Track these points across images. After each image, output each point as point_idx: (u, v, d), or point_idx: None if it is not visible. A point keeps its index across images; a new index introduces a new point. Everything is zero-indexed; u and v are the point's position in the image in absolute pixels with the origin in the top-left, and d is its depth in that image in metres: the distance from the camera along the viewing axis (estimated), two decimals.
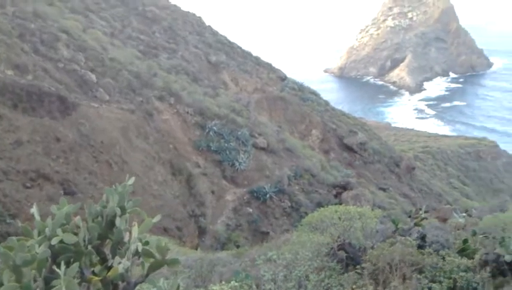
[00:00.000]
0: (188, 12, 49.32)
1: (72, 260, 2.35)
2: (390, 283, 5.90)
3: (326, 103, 46.45)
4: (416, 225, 8.27)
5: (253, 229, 19.70)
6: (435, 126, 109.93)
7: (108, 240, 2.56)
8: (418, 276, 5.96)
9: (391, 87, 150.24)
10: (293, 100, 39.20)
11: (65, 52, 20.65)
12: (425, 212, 9.31)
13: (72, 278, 2.17)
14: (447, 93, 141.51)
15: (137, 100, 21.15)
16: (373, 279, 6.22)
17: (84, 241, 2.43)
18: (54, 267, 2.26)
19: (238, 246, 16.10)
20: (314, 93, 47.73)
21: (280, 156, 25.82)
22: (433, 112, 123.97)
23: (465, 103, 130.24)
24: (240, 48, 47.89)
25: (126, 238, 2.53)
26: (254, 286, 6.30)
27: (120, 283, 2.40)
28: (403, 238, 6.99)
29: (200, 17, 49.88)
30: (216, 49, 42.93)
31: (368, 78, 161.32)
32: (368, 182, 31.50)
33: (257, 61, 47.07)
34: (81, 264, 2.36)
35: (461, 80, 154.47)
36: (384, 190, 31.72)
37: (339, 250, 7.18)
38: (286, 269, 6.81)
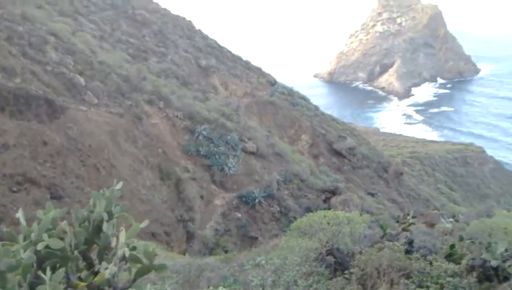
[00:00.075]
0: (178, 16, 49.28)
1: (58, 265, 2.32)
2: (378, 288, 5.92)
3: (316, 108, 46.65)
4: (404, 230, 8.33)
5: (241, 234, 19.65)
6: (422, 131, 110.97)
7: (95, 245, 2.54)
8: (406, 281, 5.99)
9: (380, 92, 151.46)
10: (282, 105, 39.31)
11: (53, 55, 20.48)
12: (413, 217, 9.39)
13: (58, 283, 2.15)
14: (434, 98, 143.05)
15: (126, 104, 21.04)
16: (361, 284, 6.24)
17: (71, 246, 2.41)
18: (40, 272, 2.23)
19: (226, 251, 16.05)
20: (303, 98, 47.93)
21: (269, 161, 25.84)
22: (421, 118, 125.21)
23: (452, 109, 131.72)
24: (230, 52, 47.96)
25: (113, 244, 2.52)
26: None
27: (107, 288, 2.38)
28: (391, 243, 7.03)
29: (190, 21, 49.87)
30: (206, 53, 42.92)
31: (357, 83, 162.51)
32: (357, 187, 31.65)
33: (247, 65, 47.16)
34: (67, 269, 2.34)
35: (449, 85, 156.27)
36: (372, 195, 31.88)
37: (327, 255, 7.20)
38: (275, 274, 6.81)
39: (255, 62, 50.49)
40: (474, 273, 6.02)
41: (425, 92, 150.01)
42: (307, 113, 41.32)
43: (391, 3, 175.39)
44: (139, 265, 2.54)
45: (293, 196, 23.27)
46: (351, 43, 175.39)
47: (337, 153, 36.81)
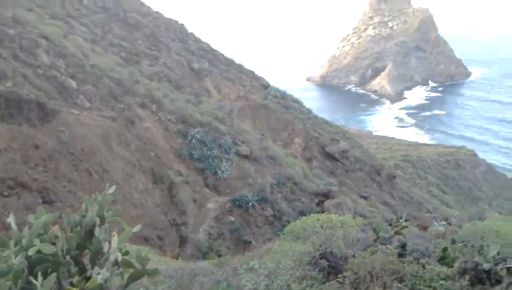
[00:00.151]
0: (171, 19, 49.25)
1: (49, 270, 2.30)
2: None
3: (309, 111, 46.79)
4: (396, 233, 8.35)
5: (235, 238, 19.60)
6: (414, 135, 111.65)
7: (87, 250, 2.52)
8: (399, 285, 6.00)
9: (372, 95, 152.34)
10: (276, 108, 39.37)
11: (45, 59, 20.37)
12: (406, 220, 9.42)
13: (50, 289, 2.13)
14: (426, 102, 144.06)
15: (118, 107, 20.95)
16: (354, 288, 6.24)
17: (63, 251, 2.39)
18: (31, 278, 2.21)
19: (219, 256, 15.99)
20: (296, 101, 48.07)
21: (263, 164, 25.83)
22: (413, 121, 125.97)
23: (444, 112, 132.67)
24: (223, 55, 47.98)
25: (105, 248, 2.50)
26: None
27: None
28: (384, 246, 7.04)
29: (182, 24, 49.85)
30: (199, 57, 42.90)
31: (350, 86, 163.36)
32: (350, 190, 31.73)
33: (240, 68, 47.19)
34: (59, 274, 2.32)
35: (440, 89, 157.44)
36: (365, 198, 31.97)
37: (320, 259, 7.19)
38: (268, 278, 6.79)
39: (248, 66, 50.56)
40: (467, 277, 6.05)
41: (417, 95, 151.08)
42: (299, 116, 41.42)
43: (382, 7, 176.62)
44: (131, 270, 2.52)
45: (286, 199, 23.27)
46: (343, 46, 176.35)
47: (330, 156, 36.91)
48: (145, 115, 22.40)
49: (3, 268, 2.08)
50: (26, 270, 2.24)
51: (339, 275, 6.56)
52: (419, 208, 34.95)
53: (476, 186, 56.86)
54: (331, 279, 6.82)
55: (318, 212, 10.22)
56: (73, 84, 19.91)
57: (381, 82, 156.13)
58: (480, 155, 73.44)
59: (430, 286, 5.99)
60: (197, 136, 23.83)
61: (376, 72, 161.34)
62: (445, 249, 7.09)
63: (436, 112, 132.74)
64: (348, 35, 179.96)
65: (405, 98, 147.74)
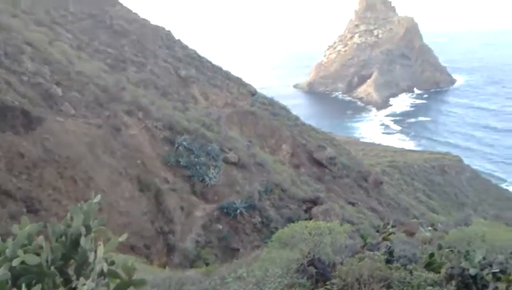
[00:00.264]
0: (158, 26, 49.14)
1: (34, 282, 2.26)
2: None
3: (296, 118, 46.96)
4: (384, 239, 8.38)
5: (223, 245, 19.49)
6: (400, 141, 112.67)
7: (72, 261, 2.48)
8: None
9: (359, 103, 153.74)
10: (263, 115, 39.44)
11: (30, 65, 20.14)
12: (393, 226, 9.47)
13: None
14: (412, 109, 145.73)
15: (104, 114, 20.78)
16: None
17: (47, 262, 2.35)
18: (15, 289, 2.17)
19: (207, 264, 15.88)
20: (284, 108, 48.22)
21: (251, 171, 25.80)
22: (398, 128, 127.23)
23: (429, 119, 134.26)
24: (210, 62, 48.00)
25: (91, 258, 2.46)
26: None
27: None
28: (372, 253, 7.06)
29: (169, 31, 49.77)
30: (186, 63, 42.84)
31: (336, 93, 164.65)
32: (337, 197, 31.83)
33: (227, 75, 47.23)
34: (44, 286, 2.28)
35: (425, 96, 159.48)
36: (353, 204, 32.10)
37: (309, 266, 7.18)
38: (256, 286, 6.76)
39: (235, 73, 50.65)
40: (454, 282, 6.09)
41: (403, 102, 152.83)
42: (287, 123, 41.55)
43: (368, 16, 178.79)
44: (117, 280, 2.48)
45: (274, 206, 23.24)
46: (330, 54, 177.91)
47: (318, 163, 37.03)
48: (131, 122, 22.25)
49: None
50: (9, 282, 2.20)
51: (327, 282, 6.55)
52: (406, 214, 35.19)
53: (462, 192, 57.51)
54: (319, 286, 6.81)
55: (306, 219, 10.21)
56: (59, 91, 19.72)
57: (367, 89, 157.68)
58: (465, 161, 74.39)
59: None
60: (184, 143, 23.72)
61: (362, 80, 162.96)
62: (432, 255, 7.13)
63: (421, 118, 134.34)
64: (335, 43, 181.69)
65: (391, 105, 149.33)
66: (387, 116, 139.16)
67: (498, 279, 5.91)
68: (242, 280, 7.08)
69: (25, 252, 2.28)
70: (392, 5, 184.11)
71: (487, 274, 5.96)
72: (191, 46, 49.60)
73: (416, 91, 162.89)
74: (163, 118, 24.95)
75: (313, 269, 7.18)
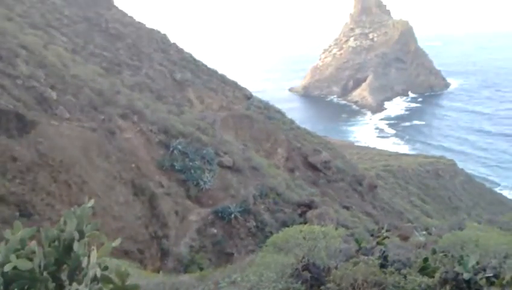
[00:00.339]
0: (153, 29, 49.14)
1: (26, 287, 2.25)
2: None
3: (292, 122, 47.02)
4: (378, 243, 8.39)
5: (217, 250, 19.44)
6: (395, 145, 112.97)
7: (65, 266, 2.47)
8: None
9: (354, 106, 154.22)
10: (258, 118, 39.45)
11: (24, 69, 20.06)
12: (387, 231, 9.48)
13: None
14: (406, 112, 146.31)
15: (99, 118, 20.71)
16: None
17: (40, 267, 2.33)
18: None
19: (201, 269, 15.84)
20: (279, 112, 48.28)
21: (245, 175, 25.78)
22: (393, 131, 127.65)
23: (423, 123, 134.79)
24: (205, 65, 48.03)
25: (84, 264, 2.45)
26: None
27: None
28: (366, 257, 7.07)
29: (165, 35, 49.77)
30: (181, 67, 42.84)
31: (332, 97, 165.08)
32: (332, 201, 31.86)
33: (223, 79, 47.27)
34: None
35: (420, 99, 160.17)
36: (347, 208, 32.14)
37: (303, 270, 7.17)
38: None
39: (230, 76, 50.71)
40: (448, 287, 6.10)
41: (397, 106, 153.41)
42: (282, 126, 41.60)
43: (363, 19, 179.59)
44: (111, 286, 2.47)
45: (269, 210, 23.23)
46: (325, 57, 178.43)
47: (313, 167, 37.07)
48: (126, 125, 22.19)
49: None
50: (1, 288, 2.19)
51: (322, 287, 6.55)
52: (400, 218, 35.27)
53: (456, 196, 57.72)
54: None
55: (301, 223, 10.21)
56: (53, 94, 19.64)
57: (362, 93, 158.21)
58: (459, 165, 74.72)
59: None
60: (179, 147, 23.68)
61: (357, 83, 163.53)
62: (426, 260, 7.14)
63: (415, 122, 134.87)
64: (330, 46, 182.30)
65: (385, 109, 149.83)
66: (382, 119, 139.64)
67: (492, 283, 5.93)
68: (236, 285, 7.06)
69: (18, 257, 2.26)
70: (387, 8, 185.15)
71: (481, 279, 5.98)
72: (186, 50, 49.63)
73: (411, 95, 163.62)
74: (158, 121, 24.92)
75: (307, 273, 7.17)
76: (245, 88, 49.12)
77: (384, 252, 7.66)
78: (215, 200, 22.13)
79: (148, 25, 49.38)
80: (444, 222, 26.36)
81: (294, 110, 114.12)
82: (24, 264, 2.25)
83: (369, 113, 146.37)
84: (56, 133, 16.75)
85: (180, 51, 48.00)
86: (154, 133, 23.71)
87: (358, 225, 26.57)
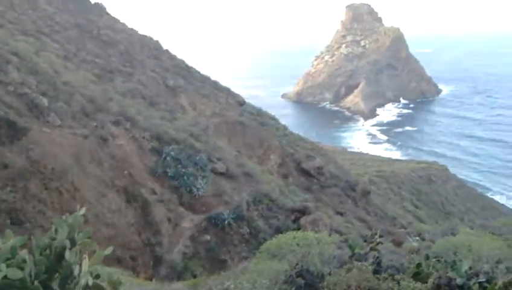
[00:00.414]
0: (145, 36, 49.15)
1: None
2: None
3: (285, 128, 47.07)
4: (372, 249, 8.39)
5: (211, 257, 19.34)
6: (387, 151, 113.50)
7: (57, 274, 2.44)
8: None
9: (346, 112, 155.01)
10: (251, 125, 39.46)
11: (16, 76, 19.95)
12: (381, 236, 9.49)
13: None
14: (398, 118, 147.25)
15: (91, 125, 20.61)
16: None
17: (31, 276, 2.31)
18: None
19: (195, 276, 15.75)
20: (273, 118, 48.33)
21: (239, 181, 25.73)
22: (385, 137, 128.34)
23: (415, 128, 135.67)
24: (198, 72, 48.05)
25: (76, 272, 2.42)
26: None
27: None
28: (360, 263, 7.06)
29: (157, 41, 49.79)
30: (174, 73, 42.81)
31: (324, 103, 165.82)
32: (325, 206, 31.87)
33: (215, 85, 47.29)
34: None
35: (411, 105, 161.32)
36: (341, 214, 32.16)
37: (297, 277, 7.15)
38: None
39: (223, 83, 50.76)
40: None
41: (389, 112, 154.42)
42: (275, 133, 41.61)
43: (355, 26, 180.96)
44: None
45: (262, 216, 23.18)
46: (317, 64, 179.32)
47: (306, 173, 37.08)
48: (118, 132, 22.10)
49: None
50: None
51: None
52: (393, 223, 35.33)
53: (448, 201, 57.97)
54: None
55: (294, 229, 10.20)
56: (45, 101, 19.53)
57: (354, 99, 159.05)
58: (451, 170, 75.17)
59: None
60: (172, 153, 23.60)
61: (349, 90, 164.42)
62: (419, 265, 7.15)
63: (408, 128, 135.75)
64: (322, 53, 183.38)
65: (378, 115, 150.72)
66: (374, 125, 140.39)
67: (484, 288, 5.95)
68: None
69: (8, 266, 2.23)
70: (379, 16, 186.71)
71: (474, 284, 6.00)
72: (179, 56, 49.66)
73: (403, 101, 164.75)
74: (150, 128, 24.84)
75: (301, 280, 7.15)
76: (238, 94, 49.17)
77: (377, 258, 7.66)
78: (209, 207, 22.05)
79: (141, 32, 49.41)
80: (437, 227, 26.44)
81: (287, 117, 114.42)
82: (15, 274, 2.22)
83: (361, 119, 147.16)
84: (48, 140, 16.64)
85: (172, 57, 48.00)
86: (146, 140, 23.63)
87: (351, 231, 26.58)
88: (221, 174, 25.30)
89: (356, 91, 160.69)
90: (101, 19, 44.28)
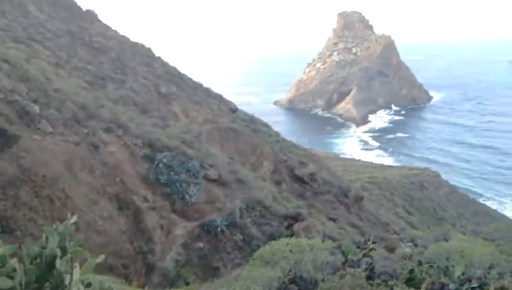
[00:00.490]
0: (137, 43, 49.10)
1: None
2: None
3: (277, 134, 47.13)
4: (365, 255, 8.39)
5: (203, 264, 19.23)
6: (379, 157, 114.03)
7: (47, 284, 2.41)
8: None
9: (338, 119, 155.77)
10: (244, 131, 39.46)
11: (6, 83, 19.80)
12: (374, 242, 9.49)
13: None
14: (390, 125, 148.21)
15: (82, 132, 20.49)
16: None
17: (21, 285, 2.27)
18: None
19: (187, 283, 15.64)
20: (265, 125, 48.40)
21: (232, 188, 25.67)
22: (377, 144, 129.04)
23: (407, 135, 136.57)
24: (191, 79, 48.04)
25: (67, 281, 2.39)
26: None
27: None
28: (353, 270, 7.06)
29: (149, 48, 49.76)
30: (166, 80, 42.76)
31: (316, 110, 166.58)
32: (318, 213, 31.87)
33: (208, 92, 47.29)
34: None
35: (403, 112, 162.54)
36: (334, 220, 32.16)
37: (290, 284, 7.13)
38: None
39: (215, 90, 50.78)
40: None
41: (381, 119, 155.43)
42: (268, 139, 41.65)
43: (346, 34, 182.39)
44: None
45: (256, 223, 23.11)
46: (309, 71, 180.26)
47: (299, 179, 37.10)
48: (110, 139, 21.99)
49: None
50: None
51: None
52: (386, 229, 35.41)
53: (440, 207, 58.25)
54: None
55: (288, 236, 10.18)
56: (36, 108, 19.40)
57: (346, 106, 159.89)
58: (443, 176, 75.65)
59: None
60: (164, 160, 23.51)
61: (341, 96, 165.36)
62: (412, 271, 7.16)
63: (399, 134, 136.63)
64: (314, 60, 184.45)
65: (369, 122, 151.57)
66: (366, 132, 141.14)
67: None
68: None
69: None
70: (370, 23, 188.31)
71: (466, 289, 6.01)
72: (171, 63, 49.65)
73: (394, 108, 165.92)
74: (142, 135, 24.74)
75: (294, 286, 7.13)
76: (230, 101, 49.21)
77: (370, 264, 7.66)
78: (201, 214, 21.95)
79: (132, 39, 49.36)
80: (430, 233, 26.52)
81: (280, 123, 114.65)
82: (4, 283, 2.19)
83: (353, 125, 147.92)
84: (39, 147, 16.52)
85: (164, 64, 47.97)
86: (138, 147, 23.52)
87: (344, 237, 26.58)
88: (214, 181, 25.23)
89: (348, 98, 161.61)
90: (92, 26, 44.20)
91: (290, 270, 7.22)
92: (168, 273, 17.76)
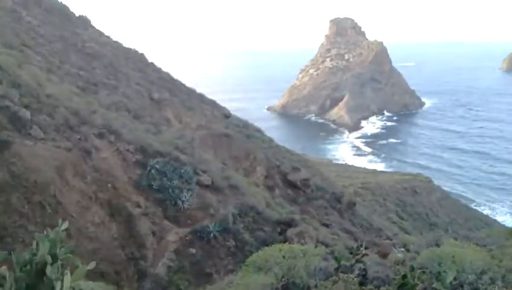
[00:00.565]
0: (130, 48, 49.06)
1: None
2: None
3: (271, 140, 47.20)
4: (358, 261, 8.40)
5: (196, 270, 19.13)
6: (371, 163, 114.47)
7: None
8: None
9: (331, 125, 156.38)
10: (237, 137, 39.45)
11: None
12: (366, 248, 9.50)
13: None
14: (382, 131, 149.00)
15: (74, 138, 20.38)
16: None
17: None
18: None
19: None
20: (259, 130, 48.47)
21: (225, 194, 25.60)
22: (369, 149, 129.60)
23: (399, 141, 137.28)
24: (184, 85, 48.05)
25: (58, 288, 2.37)
26: None
27: None
28: (345, 275, 7.06)
29: (142, 54, 49.74)
30: (159, 86, 42.73)
31: (309, 116, 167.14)
32: (311, 218, 31.85)
33: (201, 98, 47.32)
34: None
35: (395, 118, 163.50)
36: (327, 225, 32.16)
37: None
38: None
39: (209, 96, 50.83)
40: None
41: (373, 124, 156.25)
42: (261, 145, 41.69)
43: (339, 40, 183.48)
44: None
45: (249, 229, 23.05)
46: (302, 77, 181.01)
47: (292, 185, 37.11)
48: (102, 145, 21.88)
49: None
50: None
51: None
52: (379, 235, 35.46)
53: (433, 212, 58.51)
54: None
55: (281, 242, 10.17)
56: (28, 114, 19.27)
57: (339, 112, 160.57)
58: (435, 182, 76.08)
59: None
60: (157, 166, 23.41)
61: (334, 102, 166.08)
62: (404, 276, 7.17)
63: (392, 140, 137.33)
64: (307, 66, 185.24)
65: (362, 127, 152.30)
66: (358, 138, 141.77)
67: None
68: None
69: None
70: (362, 29, 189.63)
71: None
72: (164, 69, 49.65)
73: (387, 113, 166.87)
74: (135, 140, 24.64)
75: None
76: (223, 107, 49.27)
77: (363, 269, 7.67)
78: (194, 220, 21.87)
79: (125, 45, 49.32)
80: (422, 238, 26.61)
81: (273, 129, 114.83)
82: None
83: (346, 131, 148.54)
84: (30, 153, 16.40)
85: (157, 70, 47.96)
86: (131, 153, 23.42)
87: (337, 243, 26.58)
88: (207, 186, 25.16)
89: (341, 104, 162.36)
90: (85, 32, 44.11)
91: (283, 276, 7.20)
92: (160, 280, 17.65)
